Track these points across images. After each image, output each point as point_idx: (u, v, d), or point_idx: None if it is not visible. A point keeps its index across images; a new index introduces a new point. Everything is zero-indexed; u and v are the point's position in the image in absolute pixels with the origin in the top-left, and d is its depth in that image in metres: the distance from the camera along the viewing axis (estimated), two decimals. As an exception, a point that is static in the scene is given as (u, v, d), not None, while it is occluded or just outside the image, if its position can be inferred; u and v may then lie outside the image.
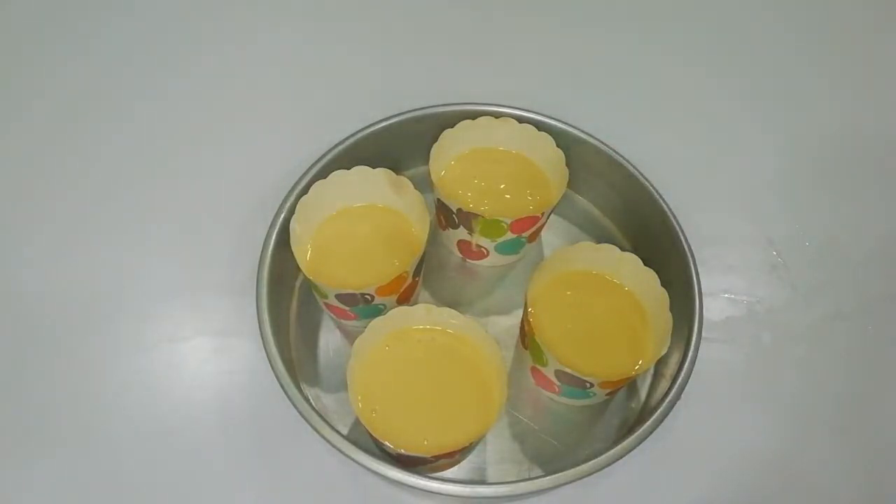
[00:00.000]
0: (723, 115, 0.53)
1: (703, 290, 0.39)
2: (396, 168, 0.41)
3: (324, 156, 0.42)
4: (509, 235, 0.41)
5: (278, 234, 0.39)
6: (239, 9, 0.57)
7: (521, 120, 0.43)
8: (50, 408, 0.39)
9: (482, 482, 0.38)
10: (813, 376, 0.43)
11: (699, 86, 0.55)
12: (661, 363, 0.39)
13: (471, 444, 0.34)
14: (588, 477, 0.33)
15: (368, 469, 0.33)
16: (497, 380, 0.35)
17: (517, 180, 0.43)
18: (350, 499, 0.38)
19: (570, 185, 0.41)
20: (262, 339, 0.36)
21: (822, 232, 0.48)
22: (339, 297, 0.38)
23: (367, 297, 0.38)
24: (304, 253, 0.40)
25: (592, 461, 0.33)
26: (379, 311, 0.38)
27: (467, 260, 0.45)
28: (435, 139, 0.42)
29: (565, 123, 0.44)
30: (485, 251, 0.43)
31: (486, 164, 0.44)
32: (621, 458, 0.34)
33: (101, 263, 0.44)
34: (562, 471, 0.33)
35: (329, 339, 0.42)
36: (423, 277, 0.43)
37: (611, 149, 0.44)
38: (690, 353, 0.37)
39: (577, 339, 0.38)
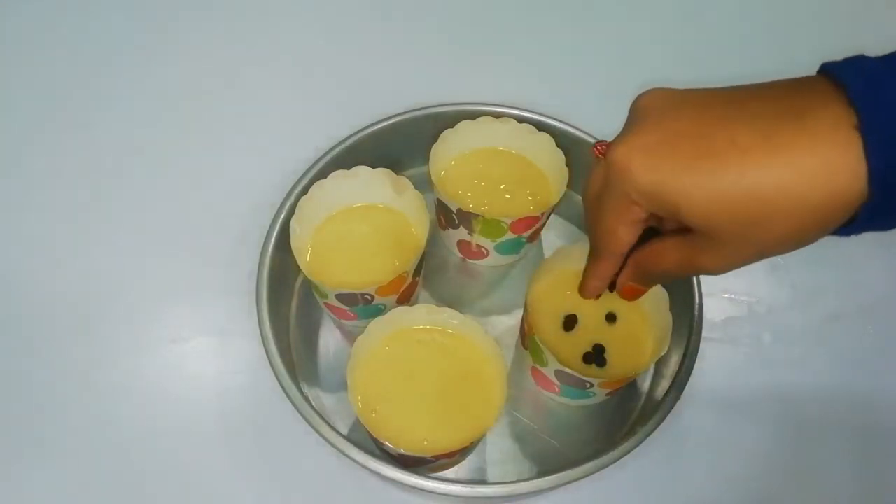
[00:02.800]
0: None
1: (703, 290, 0.39)
2: (396, 168, 0.41)
3: (324, 156, 0.42)
4: (509, 235, 0.41)
5: (278, 235, 0.39)
6: (239, 9, 0.57)
7: (521, 120, 0.43)
8: (51, 408, 0.39)
9: (482, 482, 0.38)
10: (813, 376, 0.42)
11: (700, 86, 0.55)
12: (661, 363, 0.39)
13: (471, 444, 0.34)
14: (588, 477, 0.33)
15: (368, 469, 0.33)
16: (497, 380, 0.35)
17: (517, 180, 0.43)
18: (350, 499, 0.38)
19: (570, 185, 0.41)
20: (263, 339, 0.36)
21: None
22: (339, 297, 0.38)
23: (367, 297, 0.38)
24: (304, 253, 0.40)
25: (592, 461, 0.33)
26: (379, 311, 0.38)
27: (467, 260, 0.45)
28: (435, 139, 0.42)
29: (565, 123, 0.44)
30: (485, 251, 0.43)
31: (486, 164, 0.44)
32: (622, 458, 0.34)
33: (101, 264, 0.44)
34: (562, 471, 0.33)
35: (329, 339, 0.42)
36: (423, 277, 0.43)
37: (611, 149, 0.44)
38: (690, 353, 0.37)
39: (577, 339, 0.38)
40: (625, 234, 0.26)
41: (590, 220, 0.28)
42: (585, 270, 0.30)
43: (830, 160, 0.21)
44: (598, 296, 0.31)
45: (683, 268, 0.26)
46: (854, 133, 0.20)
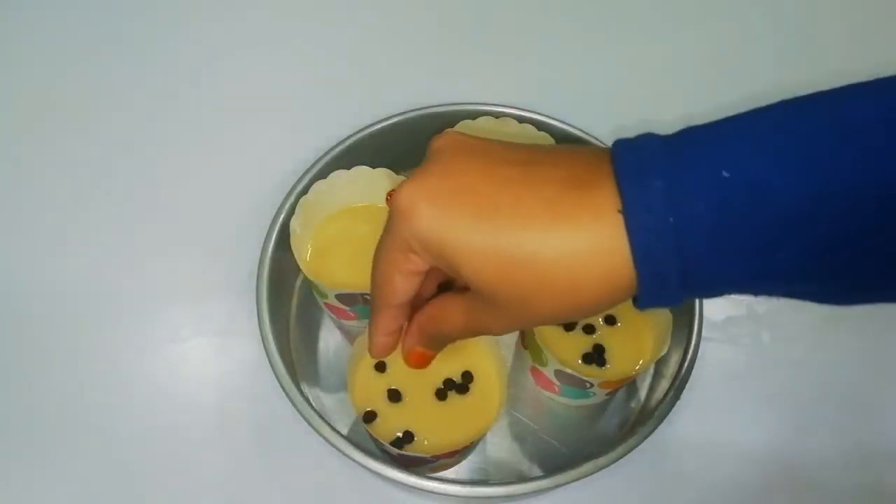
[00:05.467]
0: (724, 116, 0.53)
1: (702, 290, 0.39)
2: (396, 168, 0.41)
3: (324, 156, 0.42)
4: (509, 235, 0.41)
5: (278, 234, 0.39)
6: (240, 9, 0.57)
7: (521, 120, 0.43)
8: (51, 409, 0.39)
9: (482, 482, 0.38)
10: (812, 376, 0.42)
11: (702, 87, 0.55)
12: (661, 363, 0.39)
13: (471, 444, 0.34)
14: (588, 477, 0.33)
15: (368, 469, 0.33)
16: (497, 380, 0.35)
17: (517, 180, 0.43)
18: (350, 499, 0.38)
19: (570, 185, 0.41)
20: (263, 339, 0.36)
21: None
22: (338, 296, 0.38)
23: (367, 297, 0.38)
24: (303, 253, 0.40)
25: (592, 461, 0.33)
26: (379, 311, 0.38)
27: (467, 260, 0.45)
28: (435, 139, 0.42)
29: (565, 123, 0.44)
30: (485, 251, 0.43)
31: (486, 164, 0.44)
32: (621, 458, 0.34)
33: (101, 264, 0.44)
34: (562, 471, 0.33)
35: (329, 339, 0.42)
36: (423, 277, 0.43)
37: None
38: (690, 353, 0.37)
39: (577, 339, 0.38)
40: (401, 283, 0.24)
41: (372, 269, 0.25)
42: (368, 326, 0.27)
43: (603, 240, 0.20)
44: (387, 353, 0.28)
45: (469, 328, 0.25)
46: (619, 215, 0.20)
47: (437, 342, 0.27)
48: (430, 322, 0.26)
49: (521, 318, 0.23)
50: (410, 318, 0.27)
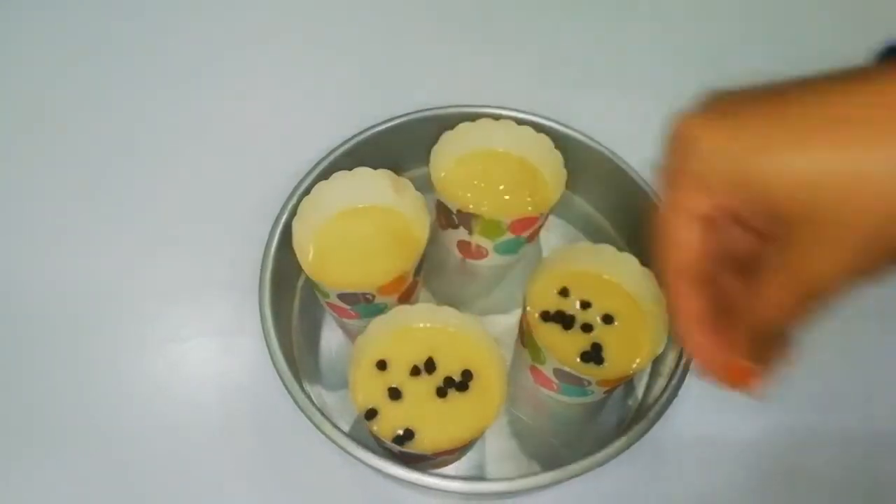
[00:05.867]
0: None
1: (699, 290, 0.40)
2: (397, 169, 0.41)
3: (326, 157, 0.42)
4: (508, 235, 0.42)
5: (281, 235, 0.40)
6: (240, 9, 0.57)
7: (519, 122, 0.44)
8: (51, 409, 0.40)
9: (482, 479, 0.38)
10: (810, 375, 0.43)
11: (703, 87, 0.55)
12: (657, 361, 0.39)
13: (471, 441, 0.35)
14: (586, 474, 0.34)
15: (370, 466, 0.33)
16: (497, 378, 0.36)
17: (516, 181, 0.44)
18: (351, 495, 0.38)
19: (568, 185, 0.42)
20: (265, 338, 0.37)
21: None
22: (340, 296, 0.38)
23: (368, 296, 0.38)
24: (306, 253, 0.40)
25: (590, 458, 0.34)
26: (380, 311, 0.38)
27: (467, 260, 0.45)
28: (435, 141, 0.42)
29: (563, 125, 0.45)
30: (484, 251, 0.44)
31: (485, 166, 0.44)
32: (619, 455, 0.34)
33: (101, 264, 0.44)
34: (560, 468, 0.34)
35: (331, 337, 0.42)
36: (424, 277, 0.43)
37: (608, 150, 0.44)
38: (687, 352, 0.38)
39: (575, 337, 0.38)
40: (683, 234, 0.20)
41: (653, 240, 0.22)
42: (670, 317, 0.22)
43: None
44: (714, 363, 0.22)
45: (799, 288, 0.20)
46: None
47: (765, 342, 0.22)
48: (751, 314, 0.21)
49: (846, 241, 0.18)
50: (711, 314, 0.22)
